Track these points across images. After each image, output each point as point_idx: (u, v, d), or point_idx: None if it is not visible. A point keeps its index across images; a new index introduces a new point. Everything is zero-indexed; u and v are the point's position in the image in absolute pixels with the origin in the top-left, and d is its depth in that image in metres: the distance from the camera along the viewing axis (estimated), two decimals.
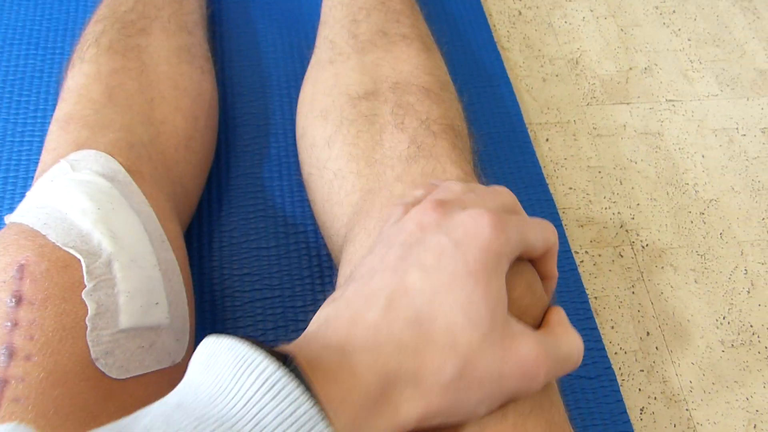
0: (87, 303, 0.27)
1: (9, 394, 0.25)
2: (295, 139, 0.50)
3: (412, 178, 0.33)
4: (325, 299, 0.43)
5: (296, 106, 0.52)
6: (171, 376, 0.31)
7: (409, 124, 0.36)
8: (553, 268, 0.28)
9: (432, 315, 0.22)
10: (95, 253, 0.29)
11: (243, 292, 0.43)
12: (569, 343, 0.24)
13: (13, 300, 0.26)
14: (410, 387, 0.21)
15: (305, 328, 0.41)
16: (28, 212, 0.30)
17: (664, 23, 0.68)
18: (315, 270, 0.44)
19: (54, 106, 0.51)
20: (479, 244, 0.22)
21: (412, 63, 0.40)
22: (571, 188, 0.55)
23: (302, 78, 0.53)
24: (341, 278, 0.33)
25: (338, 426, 0.19)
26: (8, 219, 0.31)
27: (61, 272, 0.28)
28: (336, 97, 0.39)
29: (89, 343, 0.27)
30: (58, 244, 0.28)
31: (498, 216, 0.23)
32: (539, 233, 0.25)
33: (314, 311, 0.43)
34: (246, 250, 0.45)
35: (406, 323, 0.21)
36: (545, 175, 0.54)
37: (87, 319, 0.27)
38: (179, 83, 0.41)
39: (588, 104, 0.61)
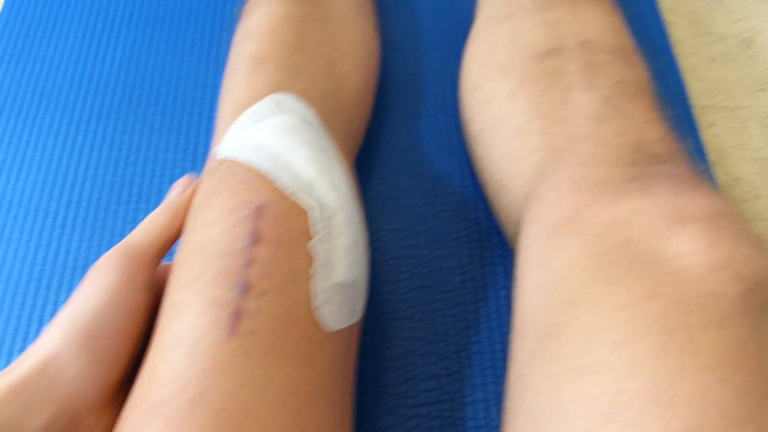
0: (313, 252, 0.28)
1: (244, 326, 0.25)
2: (448, 98, 0.48)
3: (603, 135, 0.32)
4: (472, 264, 0.42)
5: (450, 64, 0.50)
6: (357, 330, 0.32)
7: (602, 83, 0.34)
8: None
9: None
10: (321, 205, 0.29)
11: (391, 248, 0.42)
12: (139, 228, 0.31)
13: (252, 237, 0.27)
14: None
15: (450, 290, 0.41)
16: (248, 152, 0.30)
17: None
18: (463, 233, 0.43)
19: (211, 46, 0.52)
20: None
21: (600, 22, 0.38)
22: (736, 179, 0.50)
23: (457, 35, 0.52)
24: (525, 236, 0.31)
25: None
26: (222, 153, 0.31)
27: (294, 219, 0.28)
28: (517, 53, 0.37)
29: (312, 292, 0.27)
30: (288, 190, 0.29)
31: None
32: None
33: (460, 274, 0.42)
34: (394, 206, 0.44)
35: None
36: (708, 163, 0.50)
37: (312, 268, 0.28)
38: (356, 39, 0.41)
39: (761, 90, 0.55)
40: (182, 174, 0.45)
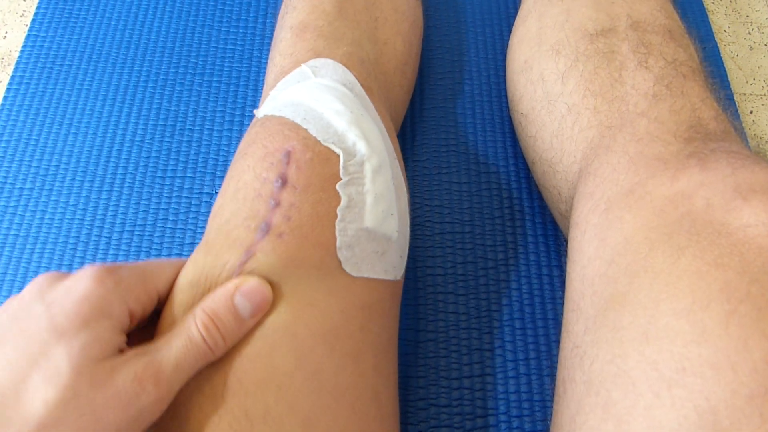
0: (340, 194, 0.29)
1: (249, 266, 0.26)
2: (491, 77, 0.49)
3: (658, 114, 0.32)
4: (514, 242, 0.42)
5: (495, 43, 0.50)
6: (392, 290, 0.32)
7: (654, 63, 0.35)
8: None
9: (10, 387, 0.20)
10: (351, 152, 0.30)
11: (434, 223, 0.42)
12: (177, 343, 0.23)
13: (279, 181, 0.28)
14: None
15: (493, 267, 0.41)
16: (284, 108, 0.31)
17: None
18: (506, 211, 0.43)
19: (257, 20, 0.52)
20: (74, 297, 0.22)
21: (650, 4, 0.38)
22: None
23: (500, 14, 0.52)
24: (579, 211, 0.32)
25: None
26: (261, 113, 0.32)
27: (322, 164, 0.29)
28: (569, 33, 0.38)
29: (337, 233, 0.28)
30: (318, 138, 0.29)
31: (105, 268, 0.23)
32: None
33: (503, 252, 0.42)
34: (438, 183, 0.44)
35: None
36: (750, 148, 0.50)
37: (338, 209, 0.28)
38: (399, 6, 0.41)
39: None
40: (228, 143, 0.45)
